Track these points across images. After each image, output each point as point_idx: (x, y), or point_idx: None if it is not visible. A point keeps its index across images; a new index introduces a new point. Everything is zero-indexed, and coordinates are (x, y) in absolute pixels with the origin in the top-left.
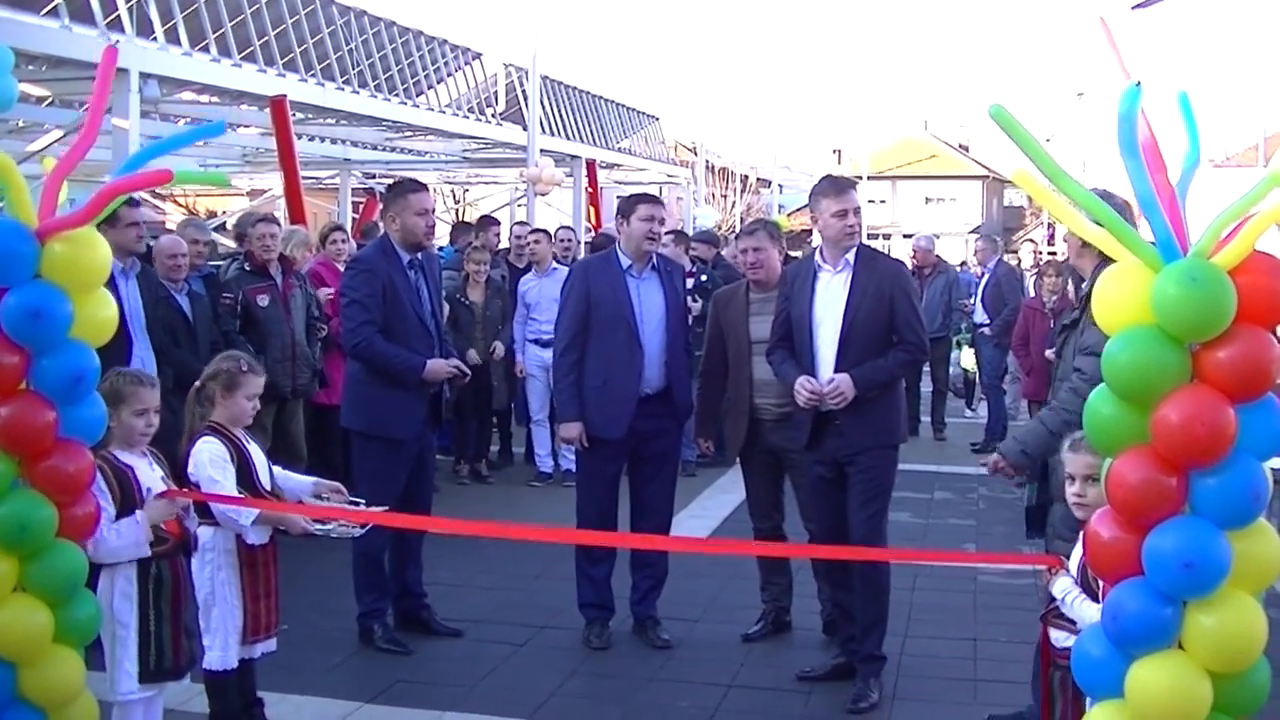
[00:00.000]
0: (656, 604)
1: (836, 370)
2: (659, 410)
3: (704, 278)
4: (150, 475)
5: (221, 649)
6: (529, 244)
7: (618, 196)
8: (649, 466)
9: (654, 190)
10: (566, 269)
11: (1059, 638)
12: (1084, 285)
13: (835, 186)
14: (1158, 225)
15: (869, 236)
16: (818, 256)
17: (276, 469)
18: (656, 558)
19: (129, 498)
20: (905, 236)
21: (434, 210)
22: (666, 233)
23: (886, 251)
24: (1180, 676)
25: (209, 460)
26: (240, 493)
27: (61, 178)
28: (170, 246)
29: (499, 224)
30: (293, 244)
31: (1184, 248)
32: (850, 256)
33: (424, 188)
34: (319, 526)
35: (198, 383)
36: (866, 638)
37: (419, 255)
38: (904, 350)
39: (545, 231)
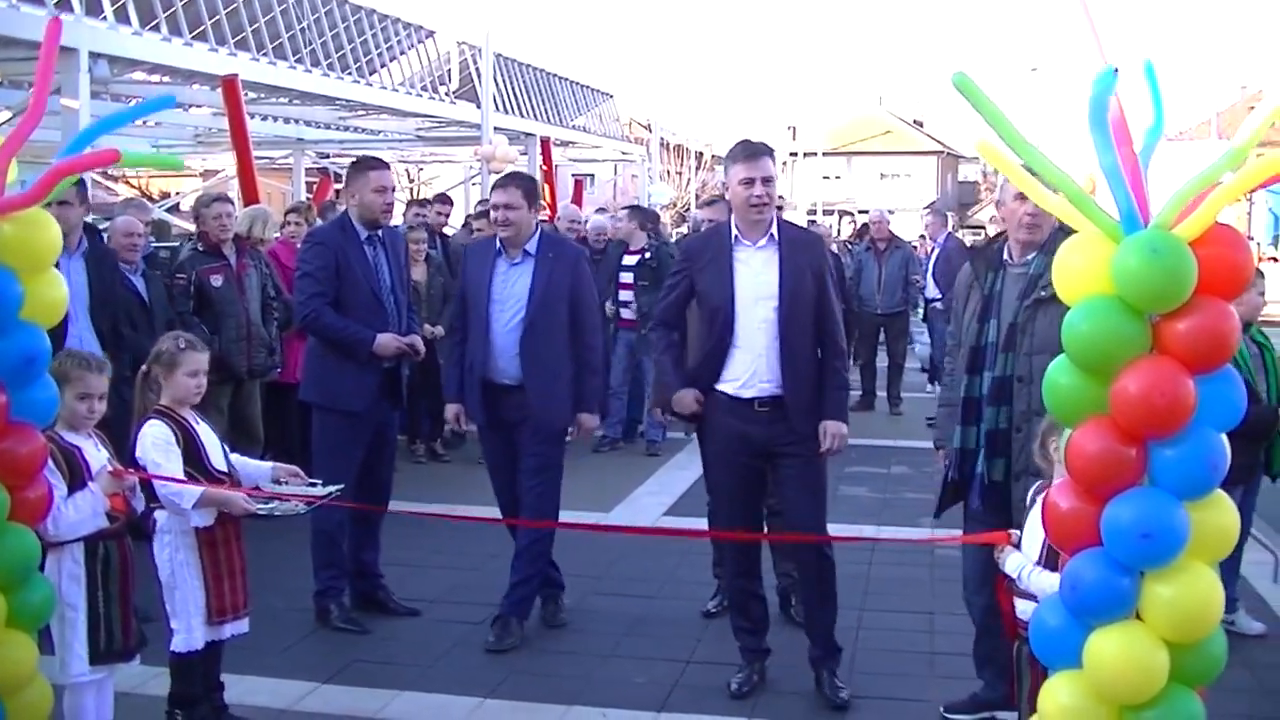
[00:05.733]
0: (521, 607)
1: (780, 360)
2: (521, 402)
3: (648, 255)
4: (96, 455)
5: (186, 630)
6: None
7: (572, 175)
8: (528, 460)
9: (608, 167)
10: None
11: (1024, 609)
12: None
13: (746, 151)
14: (1121, 197)
15: (825, 212)
16: (734, 229)
17: (235, 455)
18: (536, 566)
19: (77, 476)
20: (861, 213)
21: (393, 189)
22: (623, 208)
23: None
24: (1138, 646)
25: (152, 444)
26: (189, 474)
27: (9, 157)
28: (126, 226)
29: (451, 202)
30: (257, 224)
31: (1145, 219)
32: (774, 231)
33: (385, 165)
34: (261, 506)
35: (144, 367)
36: (825, 636)
37: (379, 231)
38: (838, 358)
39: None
